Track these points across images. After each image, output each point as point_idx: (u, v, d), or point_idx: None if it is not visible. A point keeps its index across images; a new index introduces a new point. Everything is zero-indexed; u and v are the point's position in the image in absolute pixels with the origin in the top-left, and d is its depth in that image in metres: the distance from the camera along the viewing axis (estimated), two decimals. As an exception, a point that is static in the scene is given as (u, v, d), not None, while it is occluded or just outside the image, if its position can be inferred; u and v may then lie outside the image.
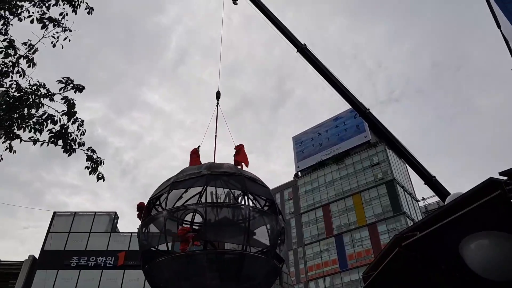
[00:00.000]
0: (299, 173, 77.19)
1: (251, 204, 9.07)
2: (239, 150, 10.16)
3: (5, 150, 6.74)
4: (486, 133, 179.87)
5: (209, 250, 8.51)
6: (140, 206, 8.70)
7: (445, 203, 6.56)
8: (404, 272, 6.04)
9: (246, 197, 8.91)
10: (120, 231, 28.61)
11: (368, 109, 17.57)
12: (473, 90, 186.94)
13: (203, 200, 9.11)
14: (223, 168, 8.79)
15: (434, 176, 16.34)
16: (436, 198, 60.69)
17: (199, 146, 10.39)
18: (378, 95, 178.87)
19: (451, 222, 5.04)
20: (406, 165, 20.63)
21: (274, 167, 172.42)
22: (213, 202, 9.10)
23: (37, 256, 26.64)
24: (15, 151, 6.83)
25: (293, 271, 65.13)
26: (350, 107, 18.90)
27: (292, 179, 78.42)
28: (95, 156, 7.07)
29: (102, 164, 7.19)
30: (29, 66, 6.82)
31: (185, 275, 7.56)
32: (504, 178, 5.17)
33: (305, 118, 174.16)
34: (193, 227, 9.06)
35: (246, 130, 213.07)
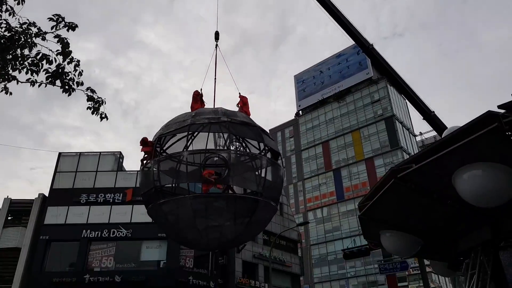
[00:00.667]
0: (300, 111, 77.39)
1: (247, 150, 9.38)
2: (246, 103, 10.10)
3: (1, 91, 6.69)
4: (489, 68, 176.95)
5: (231, 194, 8.78)
6: (145, 141, 8.69)
7: (443, 136, 6.72)
8: (398, 201, 6.36)
9: (263, 147, 9.14)
10: (126, 170, 29.42)
11: (372, 45, 17.25)
12: (478, 24, 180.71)
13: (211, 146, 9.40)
14: (239, 117, 8.80)
15: (433, 112, 16.51)
16: (434, 133, 61.53)
17: (201, 90, 10.23)
18: (382, 30, 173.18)
19: (447, 154, 5.22)
20: (406, 101, 20.69)
21: (275, 107, 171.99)
22: (236, 150, 9.32)
23: (47, 195, 27.64)
24: (11, 93, 6.78)
25: (293, 202, 68.09)
26: (353, 43, 18.51)
27: (293, 118, 78.90)
28: (95, 96, 7.02)
29: (104, 104, 7.16)
30: (18, 3, 6.47)
31: (203, 214, 7.88)
32: (502, 111, 5.27)
33: (307, 55, 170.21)
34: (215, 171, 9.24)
35: (247, 69, 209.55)
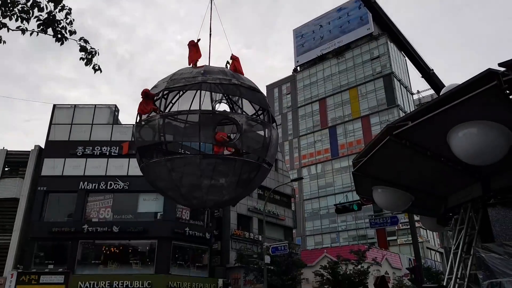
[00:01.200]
0: (298, 67, 76.27)
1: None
2: (239, 63, 9.73)
3: (-7, 40, 6.50)
4: (493, 25, 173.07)
5: (240, 158, 8.64)
6: (147, 94, 8.35)
7: (441, 94, 6.68)
8: (392, 158, 6.42)
9: (268, 114, 9.00)
10: (122, 123, 29.32)
11: (374, -3, 16.67)
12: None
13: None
14: (246, 81, 8.60)
15: (432, 70, 16.33)
16: (431, 91, 61.18)
17: (199, 40, 9.80)
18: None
19: (443, 112, 5.21)
20: (406, 58, 20.40)
21: (272, 63, 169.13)
22: (250, 115, 9.15)
23: (43, 146, 27.67)
24: (4, 42, 6.61)
25: (288, 159, 68.87)
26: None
27: (290, 74, 77.88)
28: (88, 47, 6.82)
29: (97, 55, 6.97)
30: None
31: (209, 174, 7.83)
32: (503, 69, 5.21)
33: (307, 8, 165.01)
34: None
35: (244, 22, 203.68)
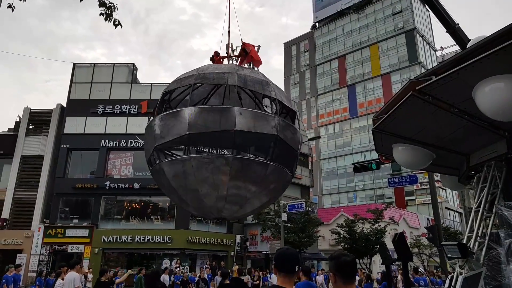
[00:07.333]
0: (317, 24, 73.95)
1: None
2: (254, 52, 8.95)
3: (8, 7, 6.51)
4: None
5: (265, 161, 7.96)
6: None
7: (467, 47, 6.40)
8: (414, 114, 6.26)
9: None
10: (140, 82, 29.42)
11: None
12: None
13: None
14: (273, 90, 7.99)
15: (457, 24, 15.65)
16: (455, 48, 58.95)
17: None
18: None
19: (470, 65, 5.00)
20: (430, 12, 19.51)
21: (287, 21, 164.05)
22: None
23: (64, 105, 28.15)
24: (24, 0, 6.61)
25: (305, 118, 68.46)
26: None
27: (307, 31, 75.80)
28: (107, 2, 6.80)
29: (116, 10, 6.96)
30: None
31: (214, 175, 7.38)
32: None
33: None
34: None
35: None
